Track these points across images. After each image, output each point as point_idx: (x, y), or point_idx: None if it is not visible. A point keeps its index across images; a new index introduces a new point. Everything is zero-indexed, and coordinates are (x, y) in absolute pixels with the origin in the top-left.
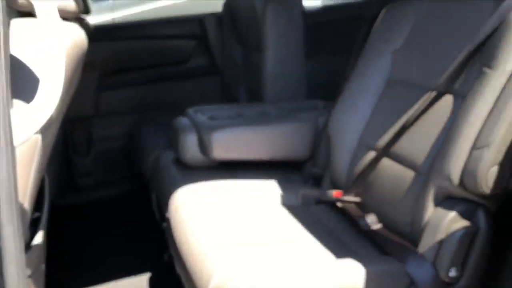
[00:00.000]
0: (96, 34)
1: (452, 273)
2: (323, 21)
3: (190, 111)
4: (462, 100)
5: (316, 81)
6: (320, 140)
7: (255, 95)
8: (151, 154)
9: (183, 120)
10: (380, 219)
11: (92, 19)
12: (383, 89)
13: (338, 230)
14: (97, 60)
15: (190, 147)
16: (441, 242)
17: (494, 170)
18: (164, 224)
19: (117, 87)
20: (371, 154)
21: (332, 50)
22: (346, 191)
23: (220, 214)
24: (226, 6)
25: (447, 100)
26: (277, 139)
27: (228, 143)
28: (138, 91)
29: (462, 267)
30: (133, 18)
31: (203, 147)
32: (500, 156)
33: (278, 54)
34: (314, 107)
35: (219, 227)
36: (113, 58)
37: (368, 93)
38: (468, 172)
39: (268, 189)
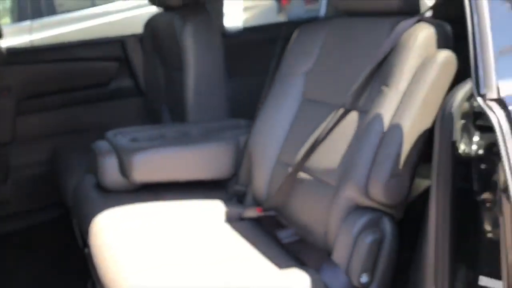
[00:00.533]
0: (11, 57)
1: (364, 278)
2: (244, 41)
3: (110, 134)
4: (365, 117)
5: (239, 100)
6: (242, 158)
7: (178, 115)
8: (71, 180)
9: (102, 144)
10: (298, 232)
11: (8, 42)
12: (297, 108)
13: (260, 244)
14: (13, 84)
15: (110, 170)
16: (352, 250)
17: (393, 181)
18: (86, 251)
19: (36, 112)
20: (288, 170)
21: (253, 70)
22: (266, 207)
23: (141, 238)
24: (147, 26)
25: (353, 117)
26: (200, 159)
27: (149, 165)
28: (58, 115)
29: (372, 272)
30: (53, 40)
31: (124, 170)
32: (399, 168)
33: (198, 73)
34: (236, 126)
35: (140, 251)
36: (31, 82)
37: (284, 112)
38: (371, 183)
39: (192, 209)
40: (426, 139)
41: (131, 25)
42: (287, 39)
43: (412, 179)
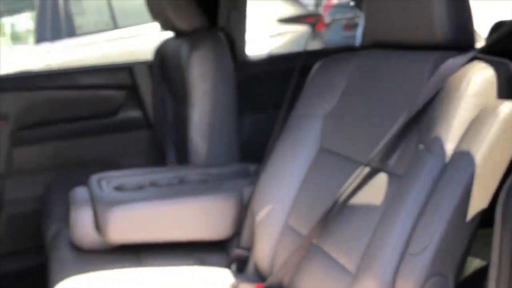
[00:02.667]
0: (7, 83)
1: None
2: (265, 71)
3: (94, 179)
4: (397, 183)
5: (254, 139)
6: (245, 215)
7: (183, 154)
8: (52, 226)
9: (80, 192)
10: None
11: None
12: (312, 159)
13: None
14: (10, 112)
15: (83, 226)
16: None
17: (434, 281)
18: None
19: (34, 142)
20: (297, 240)
21: (273, 104)
22: (268, 284)
23: None
24: (157, 53)
25: (381, 180)
26: (195, 216)
27: (130, 222)
28: (58, 147)
29: None
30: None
31: (99, 227)
32: (441, 264)
33: (206, 109)
34: (243, 172)
35: None
36: (30, 110)
37: (296, 163)
38: (402, 279)
39: (181, 277)
40: (480, 219)
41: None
42: (304, 72)
43: (458, 276)
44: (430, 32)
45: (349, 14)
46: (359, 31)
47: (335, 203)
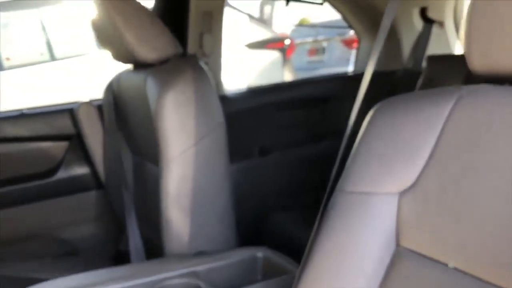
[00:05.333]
0: None
1: None
2: (243, 110)
3: None
4: None
5: (238, 193)
6: None
7: (151, 227)
8: None
9: None
10: None
11: None
12: (387, 266)
13: None
14: None
15: None
16: None
17: None
18: None
19: None
20: None
21: (256, 149)
22: None
23: None
24: (108, 91)
25: None
26: None
27: None
28: None
29: None
30: None
31: None
32: None
33: (186, 171)
34: (251, 263)
35: None
36: None
37: (359, 272)
38: None
39: None
40: None
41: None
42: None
43: None
44: None
45: (310, 38)
46: (326, 57)
47: None
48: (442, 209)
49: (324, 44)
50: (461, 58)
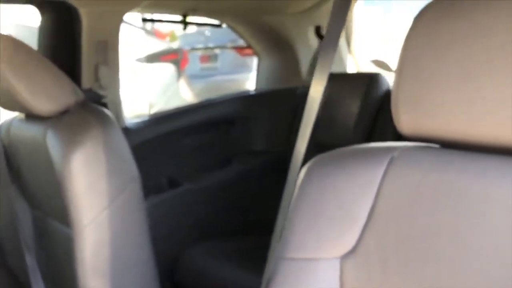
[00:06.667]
0: None
1: None
2: (147, 141)
3: None
4: None
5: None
6: None
7: None
8: None
9: None
10: None
11: None
12: None
13: None
14: None
15: None
16: None
17: None
18: None
19: None
20: None
21: (166, 182)
22: None
23: None
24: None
25: None
26: None
27: None
28: None
29: None
30: None
31: None
32: None
33: (101, 233)
34: None
35: None
36: None
37: None
38: None
39: None
40: None
41: None
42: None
43: None
44: None
45: (200, 45)
46: (219, 64)
47: None
48: (384, 273)
49: (217, 51)
50: (360, 77)
